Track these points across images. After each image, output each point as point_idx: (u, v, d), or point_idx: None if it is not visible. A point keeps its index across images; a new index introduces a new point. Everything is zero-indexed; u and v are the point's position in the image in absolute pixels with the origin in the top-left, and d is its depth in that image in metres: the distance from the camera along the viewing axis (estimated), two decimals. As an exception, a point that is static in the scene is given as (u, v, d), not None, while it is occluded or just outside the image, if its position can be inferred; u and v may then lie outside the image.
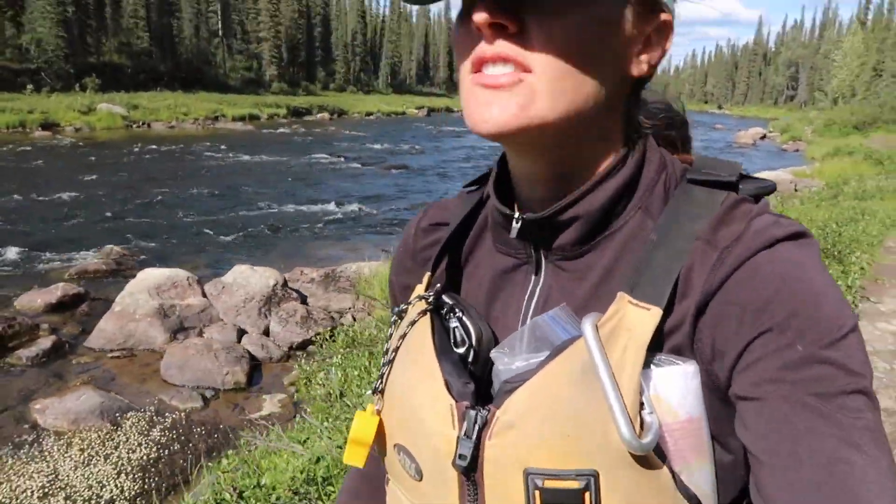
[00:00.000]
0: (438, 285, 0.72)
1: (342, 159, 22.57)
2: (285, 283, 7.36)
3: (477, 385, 0.64)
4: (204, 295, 7.11)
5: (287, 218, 12.80)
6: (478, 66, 0.57)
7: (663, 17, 0.61)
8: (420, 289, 0.73)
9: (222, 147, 24.57)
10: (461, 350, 0.67)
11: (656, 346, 0.56)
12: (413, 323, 0.70)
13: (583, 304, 0.63)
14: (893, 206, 10.31)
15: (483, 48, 0.56)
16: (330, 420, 2.76)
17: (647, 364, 0.55)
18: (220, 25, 50.22)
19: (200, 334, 6.58)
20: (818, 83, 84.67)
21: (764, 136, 41.44)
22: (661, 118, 0.70)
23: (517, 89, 0.56)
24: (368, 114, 50.22)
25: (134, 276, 7.71)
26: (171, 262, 8.75)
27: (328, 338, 5.26)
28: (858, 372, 0.51)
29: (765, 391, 0.52)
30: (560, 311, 0.62)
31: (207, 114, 36.33)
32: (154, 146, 24.09)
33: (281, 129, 34.23)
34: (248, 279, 7.21)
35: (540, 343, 0.61)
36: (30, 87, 33.48)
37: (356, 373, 3.43)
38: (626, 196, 0.63)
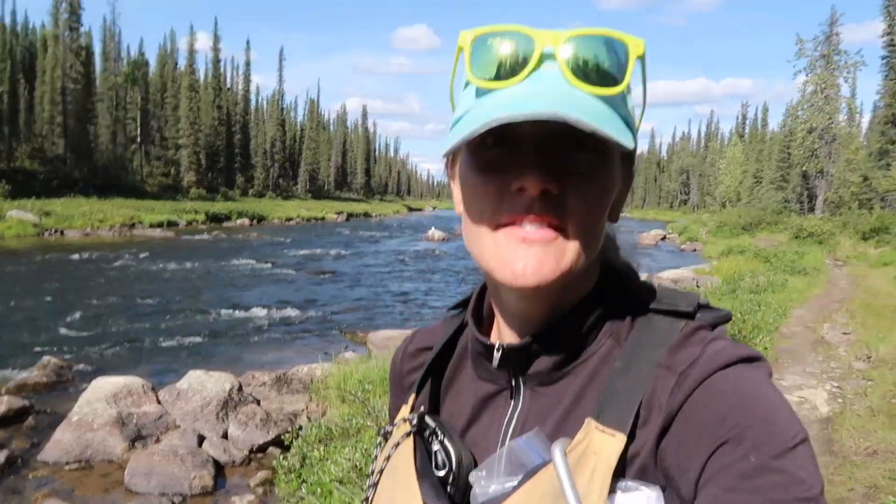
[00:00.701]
0: (422, 408, 0.76)
1: (269, 265, 22.73)
2: (240, 388, 7.55)
3: None
4: (158, 402, 7.20)
5: (224, 323, 12.87)
6: (511, 222, 0.63)
7: (631, 180, 0.71)
8: (405, 410, 0.77)
9: (145, 254, 24.24)
10: (442, 473, 0.69)
11: (621, 470, 0.59)
12: (397, 445, 0.73)
13: (556, 429, 0.65)
14: (784, 298, 11.64)
15: (525, 210, 0.61)
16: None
17: (612, 489, 0.58)
18: (138, 132, 50.26)
19: (157, 441, 6.64)
20: (707, 188, 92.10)
21: (664, 237, 44.55)
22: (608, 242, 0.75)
23: (553, 245, 0.62)
24: (288, 219, 50.67)
25: (76, 387, 7.77)
26: (112, 371, 8.70)
27: (297, 435, 5.57)
28: (809, 481, 0.53)
29: (723, 502, 0.54)
30: (533, 436, 0.65)
31: (124, 220, 35.69)
32: (72, 255, 23.46)
33: (202, 235, 34.02)
34: (204, 384, 7.37)
35: (515, 467, 0.63)
36: (-67, 193, 32.15)
37: (358, 454, 3.80)
38: (598, 324, 0.69)
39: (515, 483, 0.62)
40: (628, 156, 0.69)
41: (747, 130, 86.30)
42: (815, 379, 6.26)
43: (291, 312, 14.18)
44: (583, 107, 0.58)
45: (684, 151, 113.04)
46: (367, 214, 65.16)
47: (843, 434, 4.63)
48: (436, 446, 0.71)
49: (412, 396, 0.79)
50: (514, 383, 0.71)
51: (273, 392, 7.86)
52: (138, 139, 50.65)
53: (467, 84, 0.66)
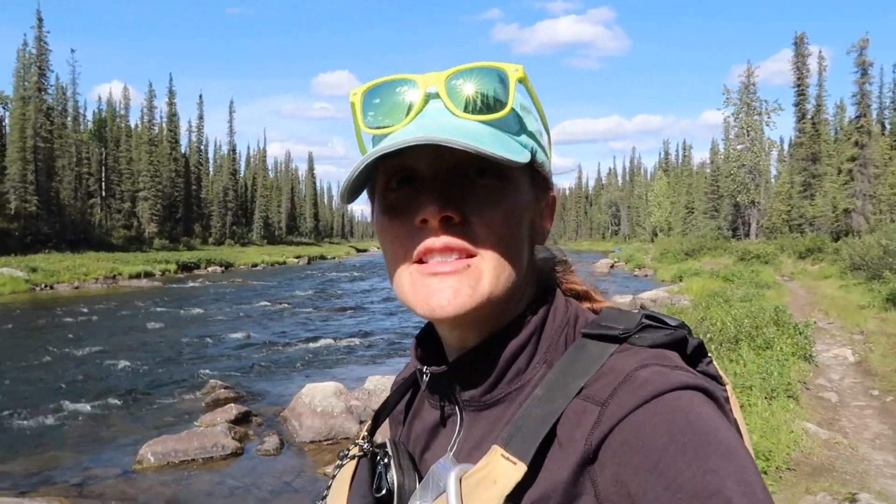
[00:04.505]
0: (365, 432, 0.83)
1: (287, 305, 24.51)
2: (412, 386, 9.89)
3: None
4: (356, 399, 9.44)
5: (310, 350, 14.84)
6: (421, 256, 0.65)
7: (551, 194, 0.74)
8: (361, 434, 0.83)
9: (148, 301, 25.52)
10: (382, 493, 0.72)
11: (525, 497, 0.59)
12: (341, 466, 0.79)
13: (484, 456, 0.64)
14: (768, 304, 14.73)
15: (431, 241, 0.63)
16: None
17: None
18: (101, 186, 50.78)
19: (372, 425, 8.90)
20: (636, 219, 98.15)
21: (612, 266, 48.51)
22: (551, 265, 0.77)
23: (466, 274, 0.63)
24: (254, 265, 51.84)
25: (253, 398, 9.98)
26: (264, 385, 10.91)
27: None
28: None
29: None
30: (449, 460, 0.68)
31: (106, 273, 36.46)
32: (80, 307, 24.38)
33: (191, 283, 35.14)
34: (386, 385, 9.66)
35: (435, 489, 0.66)
36: (-86, 255, 32.18)
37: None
38: (529, 350, 0.68)
39: None
40: (540, 176, 0.71)
41: (670, 165, 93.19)
42: (834, 346, 9.19)
43: (358, 340, 16.29)
44: (465, 133, 0.61)
45: (612, 186, 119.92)
46: (322, 257, 66.79)
47: (873, 366, 7.52)
48: (381, 469, 0.74)
49: (368, 423, 0.85)
50: (459, 410, 0.72)
51: (429, 389, 10.21)
52: (101, 193, 51.11)
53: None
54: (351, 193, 0.66)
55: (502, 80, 0.65)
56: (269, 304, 25.04)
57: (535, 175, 0.70)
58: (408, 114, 0.66)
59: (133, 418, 9.62)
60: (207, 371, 12.68)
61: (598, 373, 0.62)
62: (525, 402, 0.65)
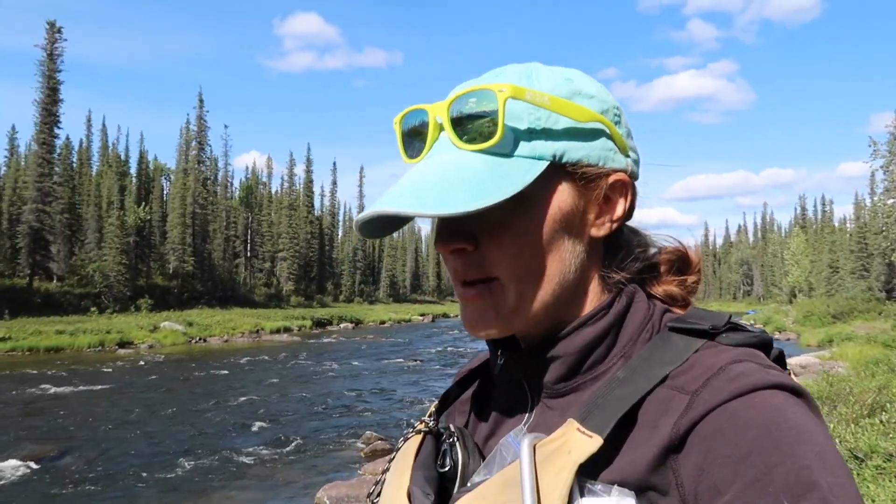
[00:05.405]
0: (431, 410, 0.85)
1: (418, 362, 25.15)
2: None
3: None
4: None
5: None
6: (458, 279, 0.69)
7: (612, 178, 0.69)
8: (429, 412, 0.84)
9: (289, 355, 26.97)
10: (447, 469, 0.72)
11: (594, 474, 0.58)
12: (406, 440, 0.80)
13: None
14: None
15: (455, 269, 0.68)
16: None
17: (584, 492, 0.57)
18: (246, 248, 55.30)
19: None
20: (771, 279, 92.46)
21: (749, 328, 45.81)
22: (638, 259, 0.73)
23: (489, 298, 0.67)
24: (382, 322, 53.67)
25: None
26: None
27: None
28: None
29: None
30: (520, 433, 0.68)
31: (251, 328, 39.15)
32: (230, 359, 26.19)
33: (325, 339, 36.90)
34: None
35: (501, 462, 0.66)
36: (93, 309, 36.26)
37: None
38: (608, 342, 0.69)
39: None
40: (579, 172, 0.68)
41: (807, 221, 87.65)
42: None
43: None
44: (451, 177, 0.63)
45: (742, 243, 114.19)
46: (445, 315, 67.95)
47: None
48: (445, 447, 0.74)
49: (435, 403, 0.86)
50: (529, 397, 0.73)
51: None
52: (247, 253, 55.55)
53: None
54: (372, 230, 0.71)
55: (492, 101, 0.65)
56: (401, 360, 25.83)
57: (570, 173, 0.68)
58: (424, 145, 0.70)
59: (299, 464, 10.34)
60: (358, 422, 13.37)
61: (684, 364, 0.62)
62: (603, 385, 0.66)
